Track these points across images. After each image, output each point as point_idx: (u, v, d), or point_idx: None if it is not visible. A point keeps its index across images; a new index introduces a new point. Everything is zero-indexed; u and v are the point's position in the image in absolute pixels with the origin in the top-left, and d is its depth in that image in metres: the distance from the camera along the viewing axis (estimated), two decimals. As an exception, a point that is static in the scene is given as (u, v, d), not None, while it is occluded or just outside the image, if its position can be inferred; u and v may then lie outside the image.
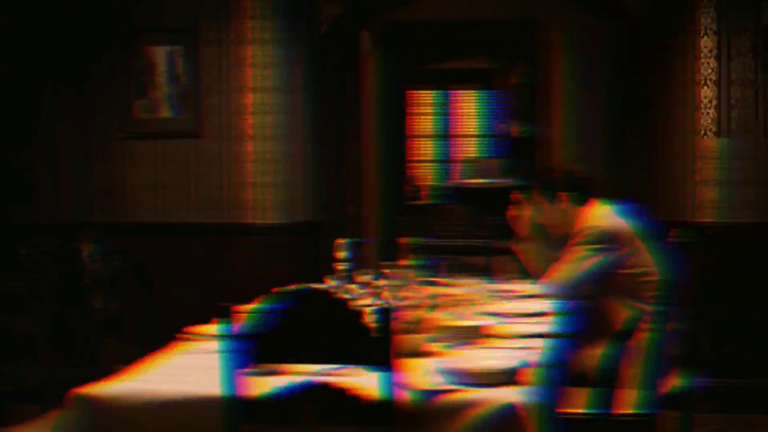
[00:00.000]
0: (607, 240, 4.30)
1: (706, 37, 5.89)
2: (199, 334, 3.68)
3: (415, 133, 14.85)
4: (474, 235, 5.70)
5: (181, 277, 6.06)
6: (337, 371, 2.92)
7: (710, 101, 5.90)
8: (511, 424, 2.77)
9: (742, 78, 5.87)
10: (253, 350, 2.73)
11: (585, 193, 4.49)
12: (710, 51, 5.89)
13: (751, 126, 5.89)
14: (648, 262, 4.28)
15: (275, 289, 2.72)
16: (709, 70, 5.90)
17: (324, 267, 4.05)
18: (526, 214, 4.67)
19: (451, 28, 10.12)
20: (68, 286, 4.28)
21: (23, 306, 4.17)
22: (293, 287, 2.71)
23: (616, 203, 4.44)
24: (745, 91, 5.87)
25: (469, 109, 15.12)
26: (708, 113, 5.91)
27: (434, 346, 3.43)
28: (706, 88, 5.90)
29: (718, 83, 5.89)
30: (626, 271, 4.30)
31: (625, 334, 3.93)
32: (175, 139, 6.24)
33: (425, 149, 15.19)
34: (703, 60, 5.91)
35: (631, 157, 6.51)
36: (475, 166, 14.33)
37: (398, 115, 11.05)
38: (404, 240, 4.45)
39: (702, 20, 5.91)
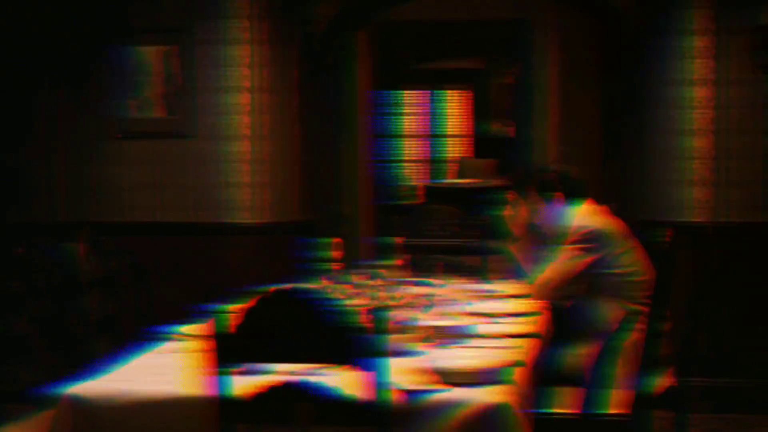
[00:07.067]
0: (600, 239, 4.32)
1: (704, 37, 5.90)
2: (181, 334, 3.69)
3: (409, 133, 14.86)
4: (468, 235, 5.70)
5: (177, 276, 6.05)
6: (323, 370, 2.93)
7: (708, 101, 5.92)
8: (493, 423, 2.78)
9: (739, 78, 5.88)
10: (237, 349, 2.73)
11: (581, 193, 4.51)
12: (708, 51, 5.90)
13: (747, 126, 5.90)
14: (638, 262, 4.30)
15: (272, 289, 2.72)
16: (707, 70, 5.92)
17: (318, 266, 4.05)
18: (522, 213, 4.69)
19: (444, 28, 10.14)
20: (64, 286, 4.27)
21: (19, 306, 4.17)
22: (290, 287, 2.71)
23: (608, 203, 4.46)
24: (741, 91, 5.89)
25: (463, 108, 15.12)
26: (706, 113, 5.93)
27: (418, 346, 3.44)
28: (704, 88, 5.92)
29: (715, 83, 5.91)
30: (617, 270, 4.32)
31: (614, 334, 3.94)
32: (170, 139, 6.24)
33: (419, 149, 15.19)
34: (700, 60, 5.92)
35: (625, 156, 6.51)
36: (469, 166, 14.33)
37: (392, 114, 11.07)
38: (397, 240, 4.45)
39: (699, 20, 5.92)
